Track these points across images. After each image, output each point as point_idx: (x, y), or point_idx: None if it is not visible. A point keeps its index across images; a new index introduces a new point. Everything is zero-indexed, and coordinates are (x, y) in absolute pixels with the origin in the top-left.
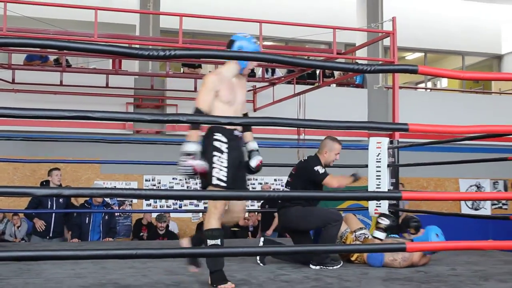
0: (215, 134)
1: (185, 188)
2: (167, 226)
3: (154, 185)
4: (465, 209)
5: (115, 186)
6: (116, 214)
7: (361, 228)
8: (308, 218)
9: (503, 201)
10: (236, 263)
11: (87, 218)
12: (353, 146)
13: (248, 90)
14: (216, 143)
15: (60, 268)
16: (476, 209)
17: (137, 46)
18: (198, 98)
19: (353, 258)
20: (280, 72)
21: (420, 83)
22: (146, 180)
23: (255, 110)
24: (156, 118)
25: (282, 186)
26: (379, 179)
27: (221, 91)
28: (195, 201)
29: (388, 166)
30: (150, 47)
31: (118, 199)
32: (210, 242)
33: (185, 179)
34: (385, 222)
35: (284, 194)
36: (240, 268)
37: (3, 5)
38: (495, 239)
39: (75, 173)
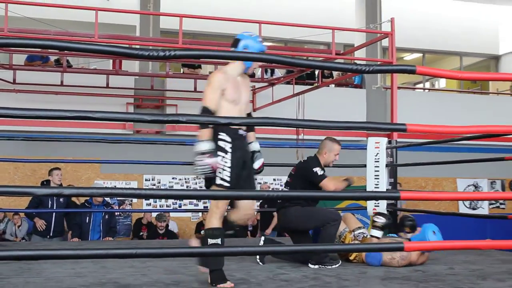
0: (220, 133)
1: (184, 187)
2: (167, 225)
3: (154, 185)
4: (463, 208)
5: (115, 186)
6: (116, 213)
7: (359, 228)
8: (307, 218)
9: (501, 201)
10: (236, 263)
11: (88, 218)
12: (352, 146)
13: None
14: (220, 143)
15: (61, 267)
16: (473, 209)
17: (137, 46)
18: (204, 96)
19: (351, 258)
20: (279, 72)
21: (418, 84)
22: (146, 180)
23: (254, 110)
24: (156, 118)
25: (281, 186)
26: (378, 178)
27: (227, 90)
28: (194, 201)
29: (387, 166)
30: (150, 47)
31: (118, 198)
32: (210, 241)
33: (202, 178)
34: (381, 220)
35: (283, 194)
36: (240, 267)
37: (4, 5)
38: (492, 238)
39: (76, 173)
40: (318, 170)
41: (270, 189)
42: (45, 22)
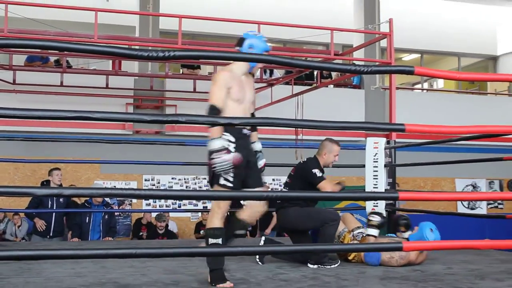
0: (223, 134)
1: (184, 188)
2: (167, 225)
3: (154, 185)
4: (461, 208)
5: (114, 186)
6: (116, 213)
7: (358, 227)
8: (306, 218)
9: (499, 201)
10: (235, 262)
11: (87, 218)
12: (351, 146)
13: None
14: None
15: (61, 267)
16: (472, 209)
17: (137, 47)
18: (211, 95)
19: (350, 257)
20: (278, 73)
21: (417, 84)
22: (145, 180)
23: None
24: (155, 119)
25: (280, 186)
26: (376, 179)
27: (232, 89)
28: (194, 201)
29: (385, 166)
30: (150, 48)
31: (118, 198)
32: (211, 241)
33: (223, 174)
34: (376, 219)
35: (282, 195)
36: (239, 267)
37: (4, 6)
38: (491, 238)
39: (75, 173)
40: (317, 172)
41: (270, 189)
42: (45, 23)
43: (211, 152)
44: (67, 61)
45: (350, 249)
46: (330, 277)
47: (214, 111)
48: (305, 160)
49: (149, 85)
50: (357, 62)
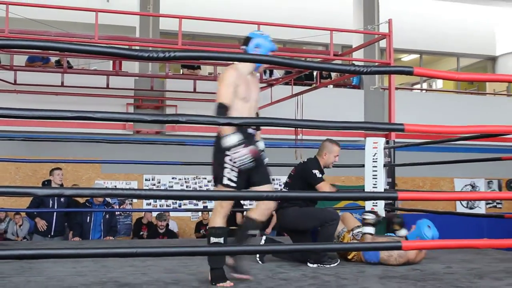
0: (220, 136)
1: (184, 187)
2: (167, 225)
3: (154, 185)
4: (460, 208)
5: (115, 186)
6: (116, 213)
7: (358, 227)
8: (305, 218)
9: (498, 200)
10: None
11: (88, 217)
12: (350, 146)
13: None
14: None
15: (62, 266)
16: (471, 208)
17: (137, 47)
18: (219, 93)
19: (350, 257)
20: (278, 73)
21: (416, 84)
22: (146, 180)
23: None
24: (156, 119)
25: (280, 185)
26: (376, 178)
27: (239, 87)
28: (194, 201)
29: (385, 166)
30: (150, 48)
31: (118, 198)
32: (213, 239)
33: (245, 168)
34: (370, 217)
35: (281, 195)
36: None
37: (5, 7)
38: (489, 237)
39: (76, 173)
40: (317, 173)
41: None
42: (45, 24)
43: (229, 148)
44: (68, 62)
45: (350, 248)
46: (330, 276)
47: (222, 109)
48: (305, 160)
49: (150, 85)
50: (356, 63)
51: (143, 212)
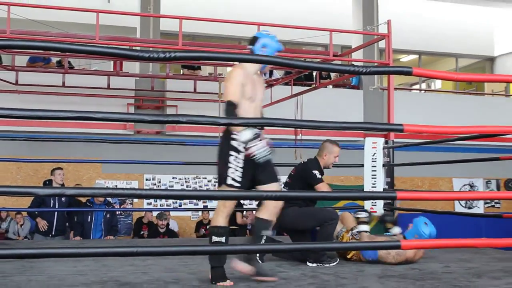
0: (234, 133)
1: (184, 187)
2: (168, 224)
3: (155, 184)
4: (459, 207)
5: (116, 185)
6: (117, 212)
7: (356, 226)
8: (304, 217)
9: (496, 200)
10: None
11: (89, 217)
12: (349, 146)
13: None
14: (233, 143)
15: (63, 265)
16: (469, 208)
17: (138, 48)
18: (226, 91)
19: (349, 256)
20: (277, 73)
21: (415, 85)
22: (146, 180)
23: None
24: (156, 119)
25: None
26: (375, 178)
27: (246, 86)
28: (194, 200)
29: (384, 165)
30: (151, 49)
31: (119, 198)
32: (214, 238)
33: (265, 159)
34: (363, 215)
35: (281, 194)
36: None
37: (6, 8)
38: (488, 237)
39: (77, 173)
40: (317, 173)
41: None
42: (47, 24)
43: (245, 142)
44: (69, 62)
45: (349, 248)
46: (329, 275)
47: (232, 107)
48: (306, 161)
49: (150, 85)
50: (355, 63)
51: (144, 212)
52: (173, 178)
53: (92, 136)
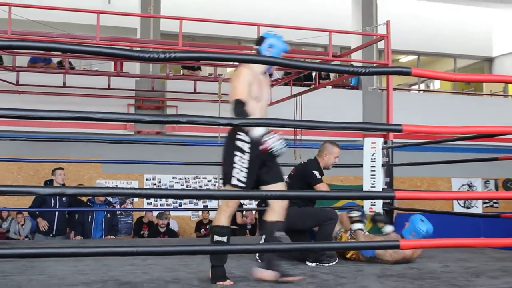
0: (239, 133)
1: (184, 187)
2: (168, 224)
3: (155, 184)
4: (457, 207)
5: (116, 185)
6: (117, 212)
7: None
8: (304, 217)
9: (494, 200)
10: (235, 260)
11: (90, 217)
12: (349, 146)
13: None
14: (238, 143)
15: (63, 265)
16: (468, 208)
17: (138, 48)
18: (234, 89)
19: (348, 255)
20: (277, 74)
21: (414, 85)
22: (146, 179)
23: None
24: (156, 119)
25: None
26: (374, 178)
27: (253, 86)
28: (194, 200)
29: (383, 165)
30: (151, 49)
31: (119, 198)
32: (216, 238)
33: (282, 152)
34: (355, 214)
35: (281, 194)
36: (239, 265)
37: (7, 8)
38: (486, 236)
39: (78, 173)
40: (316, 173)
41: None
42: (47, 25)
43: (260, 137)
44: (70, 62)
45: (348, 247)
46: (329, 274)
47: (240, 105)
48: (306, 161)
49: (150, 86)
50: (355, 64)
51: (144, 212)
52: (173, 178)
53: (92, 136)
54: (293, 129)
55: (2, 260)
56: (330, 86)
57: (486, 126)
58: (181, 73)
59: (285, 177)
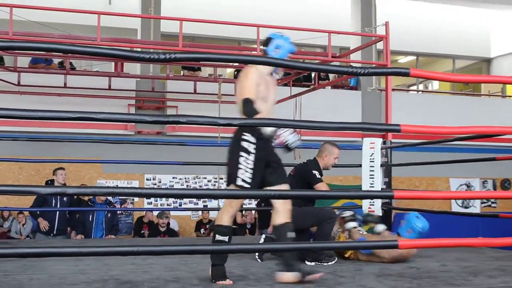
0: (244, 134)
1: (184, 187)
2: (168, 223)
3: (155, 184)
4: (456, 207)
5: (117, 185)
6: (118, 212)
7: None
8: (303, 217)
9: (492, 200)
10: (235, 260)
11: (90, 216)
12: (348, 147)
13: None
14: (243, 143)
15: (64, 264)
16: (466, 207)
17: (139, 49)
18: (243, 89)
19: (347, 255)
20: (277, 75)
21: (412, 86)
22: (147, 179)
23: None
24: (157, 119)
25: None
26: (373, 178)
27: (260, 86)
28: (194, 200)
29: (381, 165)
30: (151, 50)
31: (120, 197)
32: (218, 237)
33: (297, 144)
34: (348, 213)
35: (280, 193)
36: (239, 264)
37: (9, 9)
38: (484, 236)
39: (79, 173)
40: (316, 173)
41: None
42: (48, 26)
43: (273, 132)
44: (71, 63)
45: (348, 247)
46: (328, 274)
47: (250, 103)
48: (305, 161)
49: (151, 86)
50: (354, 64)
51: (144, 211)
52: (173, 178)
53: (93, 137)
54: (292, 129)
55: (3, 260)
56: (329, 87)
57: (484, 126)
58: (181, 74)
59: None
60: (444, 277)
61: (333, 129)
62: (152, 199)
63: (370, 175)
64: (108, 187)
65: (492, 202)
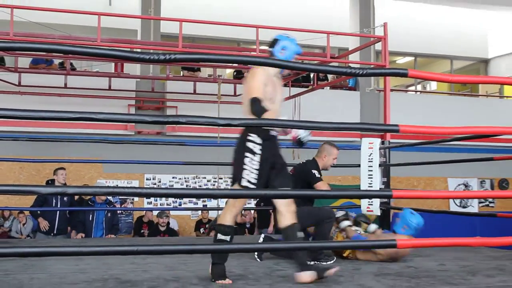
0: (250, 134)
1: (184, 186)
2: (168, 223)
3: (155, 184)
4: (454, 207)
5: (117, 185)
6: (118, 211)
7: (350, 226)
8: (302, 216)
9: (490, 199)
10: (234, 259)
11: (91, 216)
12: (346, 147)
13: None
14: (249, 144)
15: (64, 263)
16: (464, 207)
17: (139, 50)
18: (251, 88)
19: (345, 254)
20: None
21: (411, 86)
22: (147, 179)
23: None
24: (156, 120)
25: None
26: (371, 178)
27: (267, 87)
28: (194, 199)
29: (380, 165)
30: (151, 51)
31: (120, 197)
32: (220, 236)
33: (308, 139)
34: (341, 214)
35: (279, 193)
36: (238, 263)
37: (9, 10)
38: (482, 235)
39: (79, 173)
40: (316, 173)
41: None
42: (49, 26)
43: (285, 132)
44: (71, 64)
45: (347, 247)
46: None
47: (257, 102)
48: (305, 162)
49: (151, 87)
50: (352, 65)
51: (144, 211)
52: (173, 177)
53: (93, 137)
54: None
55: (4, 259)
56: (328, 87)
57: (482, 126)
58: (181, 74)
59: None
60: (442, 276)
61: (332, 129)
62: (152, 199)
63: (369, 175)
64: (108, 186)
65: (490, 202)
